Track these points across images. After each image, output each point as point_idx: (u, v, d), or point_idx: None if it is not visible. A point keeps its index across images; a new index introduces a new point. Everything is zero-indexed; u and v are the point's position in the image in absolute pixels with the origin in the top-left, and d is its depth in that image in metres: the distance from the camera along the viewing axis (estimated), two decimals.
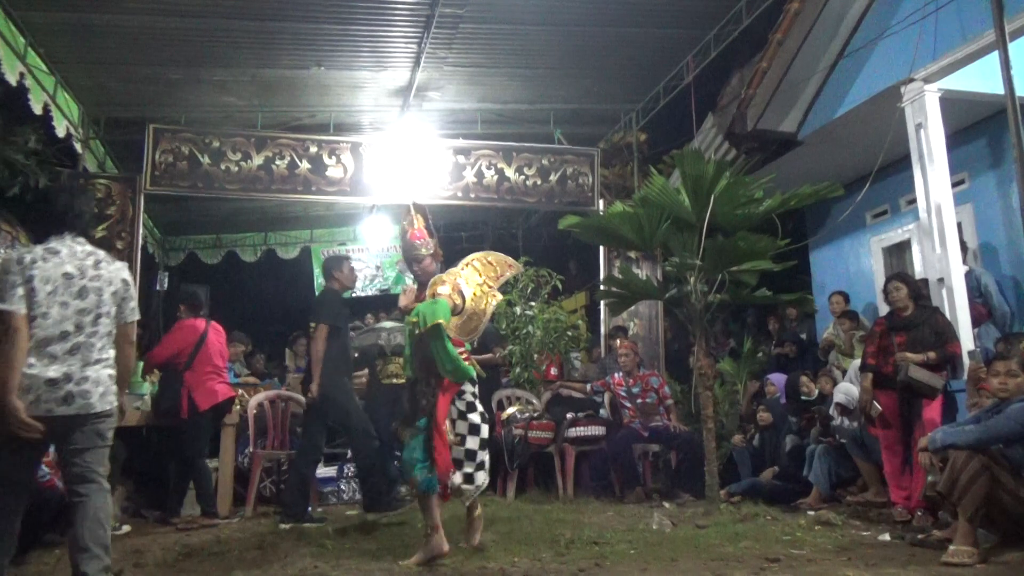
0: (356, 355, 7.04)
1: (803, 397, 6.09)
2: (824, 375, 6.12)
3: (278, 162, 7.46)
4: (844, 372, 6.04)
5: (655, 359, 7.89)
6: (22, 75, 6.06)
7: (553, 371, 7.44)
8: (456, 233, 11.18)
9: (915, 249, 6.68)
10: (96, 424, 2.92)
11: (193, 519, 5.08)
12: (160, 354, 5.47)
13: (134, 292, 3.19)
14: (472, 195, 7.95)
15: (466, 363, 3.79)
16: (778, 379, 6.50)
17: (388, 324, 6.90)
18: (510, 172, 8.00)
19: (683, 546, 3.95)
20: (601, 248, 8.15)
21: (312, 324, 5.15)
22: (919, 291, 4.99)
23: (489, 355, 6.81)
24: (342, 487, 6.34)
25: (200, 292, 6.00)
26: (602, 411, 6.89)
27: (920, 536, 4.04)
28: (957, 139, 5.96)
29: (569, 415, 6.39)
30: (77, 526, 2.83)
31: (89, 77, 7.05)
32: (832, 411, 5.54)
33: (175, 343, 5.34)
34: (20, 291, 2.84)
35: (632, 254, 8.00)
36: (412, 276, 4.18)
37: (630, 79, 7.79)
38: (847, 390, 5.41)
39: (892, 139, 5.53)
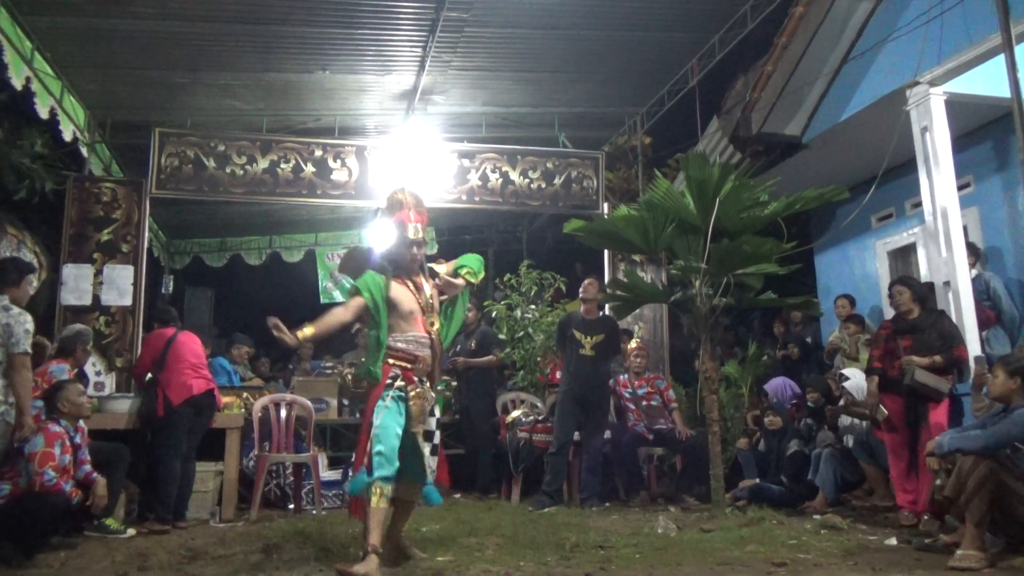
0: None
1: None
2: (831, 379, 6.09)
3: (283, 165, 7.47)
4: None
5: (660, 362, 7.88)
6: (28, 79, 6.09)
7: (558, 374, 7.42)
8: (461, 236, 11.20)
9: (920, 252, 6.66)
10: None
11: (144, 525, 4.99)
12: (138, 368, 5.66)
13: (18, 330, 3.93)
14: (476, 198, 7.96)
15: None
16: (775, 385, 6.47)
17: None
18: (514, 175, 8.00)
19: (688, 550, 3.94)
20: (606, 251, 8.15)
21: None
22: (923, 294, 4.97)
23: (489, 357, 6.83)
24: (347, 490, 6.33)
25: (172, 309, 6.04)
26: None
27: (927, 540, 4.02)
28: (962, 142, 5.94)
29: None
30: None
31: (95, 81, 7.08)
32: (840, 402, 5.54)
33: (147, 354, 5.49)
34: None
35: (637, 257, 7.99)
36: (400, 260, 3.79)
37: (634, 83, 7.79)
38: (857, 381, 5.39)
39: (897, 142, 5.51)
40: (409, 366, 3.61)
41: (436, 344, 3.71)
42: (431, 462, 3.63)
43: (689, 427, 6.38)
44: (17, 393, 3.95)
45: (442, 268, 3.89)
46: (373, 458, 3.42)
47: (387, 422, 3.47)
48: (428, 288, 3.78)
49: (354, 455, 3.81)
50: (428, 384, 3.67)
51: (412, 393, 3.55)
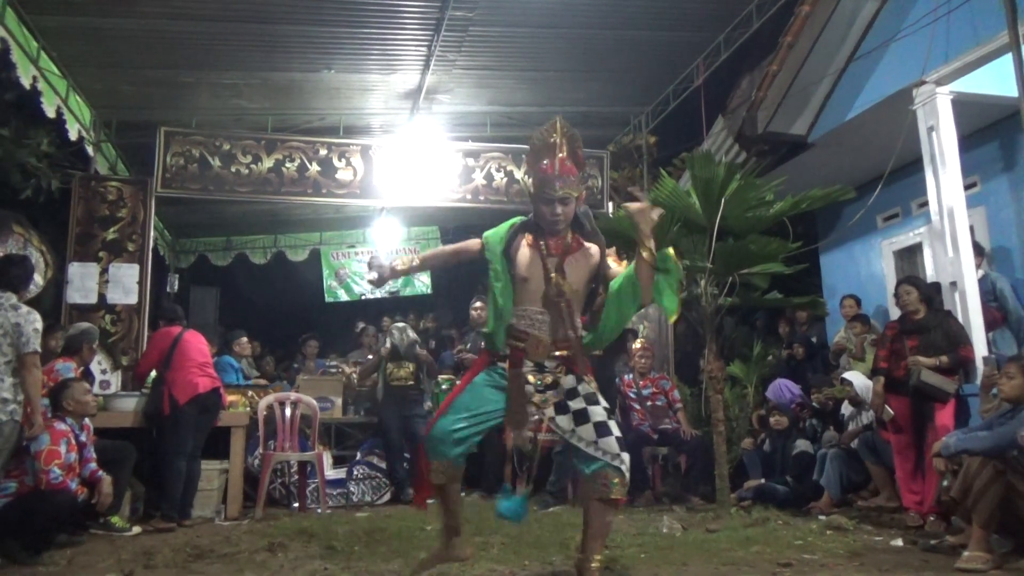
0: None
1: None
2: (835, 379, 6.09)
3: (288, 165, 7.49)
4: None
5: (664, 362, 7.88)
6: (35, 78, 6.10)
7: None
8: (465, 236, 11.15)
9: (927, 252, 6.64)
10: None
11: (150, 523, 5.00)
12: (142, 366, 5.66)
13: (28, 329, 3.94)
14: (482, 197, 7.95)
15: None
16: (773, 389, 6.44)
17: (400, 324, 6.94)
18: (519, 174, 7.99)
19: (693, 550, 3.94)
20: None
21: None
22: (930, 295, 4.96)
23: None
24: (351, 488, 6.35)
25: (178, 308, 6.05)
26: None
27: (933, 542, 4.01)
28: (969, 142, 5.92)
29: None
30: None
31: (101, 80, 7.09)
32: (844, 408, 5.52)
33: (153, 352, 5.48)
34: None
35: None
36: (540, 219, 3.00)
37: (640, 82, 7.78)
38: (860, 380, 5.38)
39: (904, 142, 5.50)
40: (520, 345, 2.95)
41: (555, 320, 2.95)
42: (606, 444, 2.83)
43: (694, 427, 6.37)
44: (27, 392, 3.97)
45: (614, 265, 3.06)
46: (430, 442, 2.90)
47: (463, 399, 2.94)
48: (571, 255, 2.99)
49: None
50: (551, 368, 2.97)
51: (510, 375, 2.93)
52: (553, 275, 2.95)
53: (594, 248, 3.06)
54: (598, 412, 2.92)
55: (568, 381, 2.99)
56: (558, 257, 2.99)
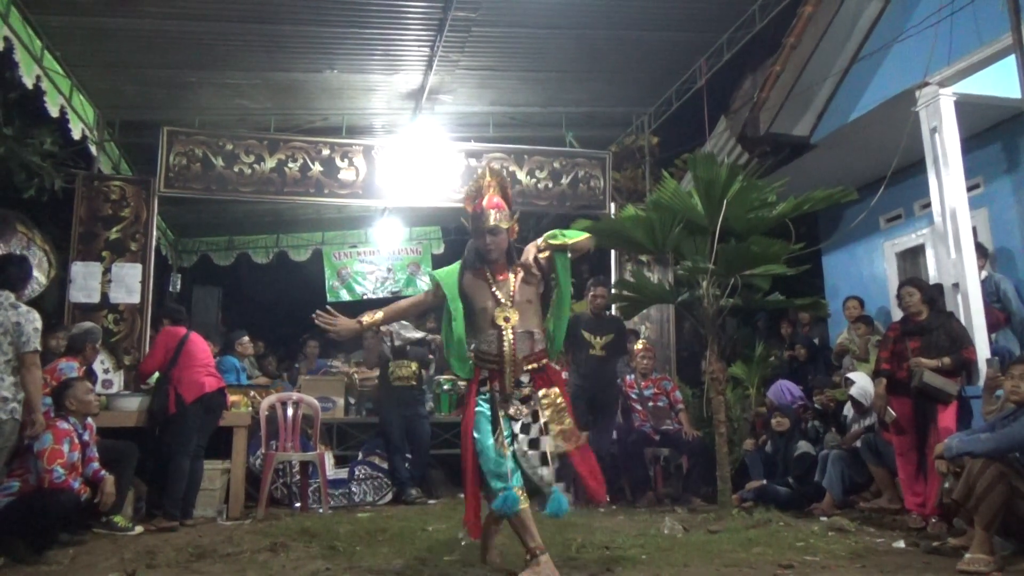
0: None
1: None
2: (838, 378, 6.08)
3: (291, 165, 7.50)
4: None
5: (666, 363, 7.87)
6: (39, 78, 6.12)
7: (564, 375, 7.42)
8: (467, 236, 11.20)
9: (929, 254, 6.63)
10: None
11: (152, 523, 5.00)
12: (148, 364, 5.63)
13: (27, 328, 3.93)
14: None
15: None
16: (774, 391, 6.43)
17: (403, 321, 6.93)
18: (522, 175, 8.00)
19: (695, 552, 3.94)
20: (613, 252, 8.14)
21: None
22: (933, 296, 4.96)
23: None
24: (353, 488, 6.36)
25: (183, 309, 6.05)
26: None
27: (935, 543, 4.00)
28: (972, 143, 5.91)
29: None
30: None
31: (104, 80, 7.11)
32: (846, 409, 5.50)
33: (158, 351, 5.46)
34: None
35: (644, 258, 7.98)
36: (478, 252, 3.49)
37: (642, 82, 7.78)
38: (863, 385, 5.37)
39: (906, 143, 5.49)
40: (496, 367, 3.36)
41: (511, 341, 3.33)
42: (544, 473, 3.28)
43: (696, 428, 6.36)
44: (27, 391, 3.97)
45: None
46: (487, 480, 3.24)
47: (482, 434, 3.28)
48: (514, 279, 3.43)
49: (464, 479, 3.45)
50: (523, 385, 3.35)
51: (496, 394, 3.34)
52: (502, 308, 3.37)
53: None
54: (545, 442, 3.30)
55: (537, 398, 3.36)
56: (506, 283, 3.43)
